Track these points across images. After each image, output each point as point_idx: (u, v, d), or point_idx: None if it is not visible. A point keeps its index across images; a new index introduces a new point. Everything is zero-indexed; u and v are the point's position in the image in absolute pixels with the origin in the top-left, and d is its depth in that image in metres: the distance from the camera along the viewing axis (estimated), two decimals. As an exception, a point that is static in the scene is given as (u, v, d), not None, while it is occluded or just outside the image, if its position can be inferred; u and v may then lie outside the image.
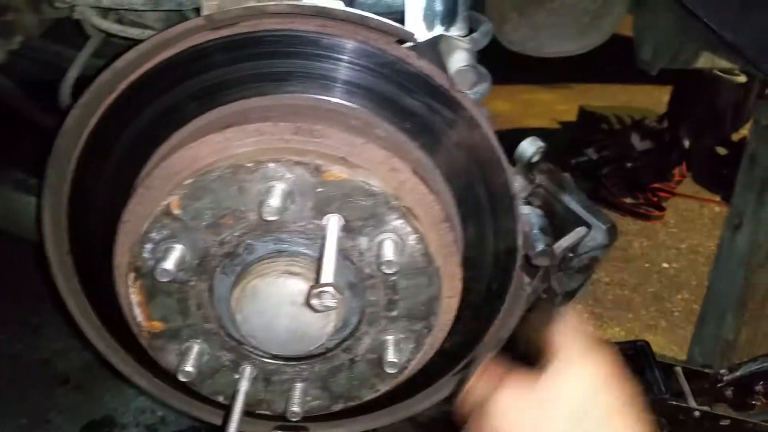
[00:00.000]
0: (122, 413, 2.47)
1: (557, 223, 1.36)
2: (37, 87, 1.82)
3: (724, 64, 2.85)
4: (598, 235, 1.36)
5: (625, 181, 4.02)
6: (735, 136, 4.15)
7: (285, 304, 0.98)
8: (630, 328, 2.98)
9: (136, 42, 1.56)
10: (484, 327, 1.26)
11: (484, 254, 1.19)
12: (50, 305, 2.93)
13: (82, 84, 1.74)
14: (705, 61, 2.81)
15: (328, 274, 0.86)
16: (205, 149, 1.00)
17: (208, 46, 1.04)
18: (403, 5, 1.27)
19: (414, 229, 1.00)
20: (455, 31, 1.24)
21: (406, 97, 1.08)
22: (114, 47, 2.00)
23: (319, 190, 0.96)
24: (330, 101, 1.07)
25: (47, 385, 2.58)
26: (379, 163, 1.02)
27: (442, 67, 1.09)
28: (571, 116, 4.87)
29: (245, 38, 1.04)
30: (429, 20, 1.21)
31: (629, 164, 4.08)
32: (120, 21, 1.53)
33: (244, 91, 1.06)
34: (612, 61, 3.50)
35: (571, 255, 1.36)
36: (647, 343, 2.21)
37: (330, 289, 0.83)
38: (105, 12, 1.49)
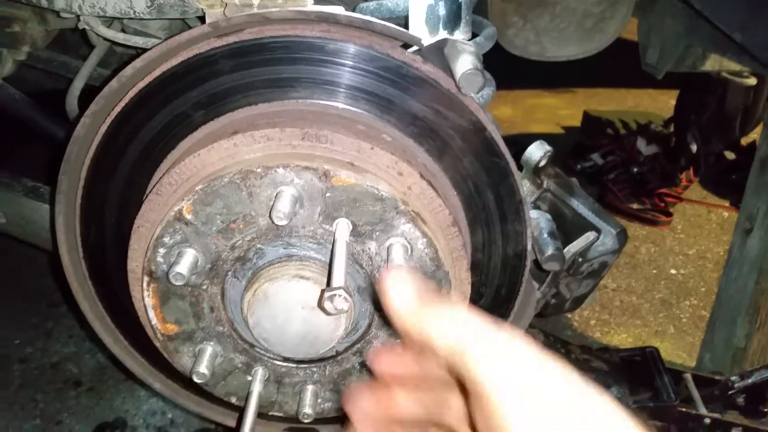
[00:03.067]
0: (133, 415, 2.48)
1: (566, 227, 1.35)
2: (43, 97, 1.82)
3: (732, 66, 2.84)
4: (608, 240, 1.35)
5: (631, 186, 4.01)
6: (744, 140, 4.14)
7: (296, 308, 0.98)
8: (637, 334, 2.96)
9: (140, 51, 1.57)
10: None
11: (493, 259, 1.19)
12: (62, 310, 2.98)
13: (88, 93, 1.75)
14: (712, 63, 2.80)
15: (339, 277, 0.85)
16: (215, 155, 1.01)
17: (214, 53, 1.05)
18: (405, 10, 1.27)
19: (423, 233, 1.00)
20: (459, 36, 1.23)
21: (412, 101, 1.08)
22: (117, 57, 2.01)
23: (328, 195, 0.97)
24: (336, 107, 1.08)
25: (59, 388, 2.60)
26: (387, 167, 1.03)
27: (448, 71, 1.09)
28: (576, 121, 4.87)
29: (250, 45, 1.05)
30: (432, 24, 1.20)
31: (635, 169, 4.07)
32: (123, 30, 1.53)
33: (250, 98, 1.07)
34: (617, 65, 3.50)
35: (580, 260, 1.35)
36: (656, 350, 2.20)
37: (342, 292, 0.83)
38: (109, 21, 1.50)
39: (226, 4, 1.14)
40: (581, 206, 1.37)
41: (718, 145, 4.13)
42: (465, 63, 1.02)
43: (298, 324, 0.99)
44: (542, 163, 1.31)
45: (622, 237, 1.36)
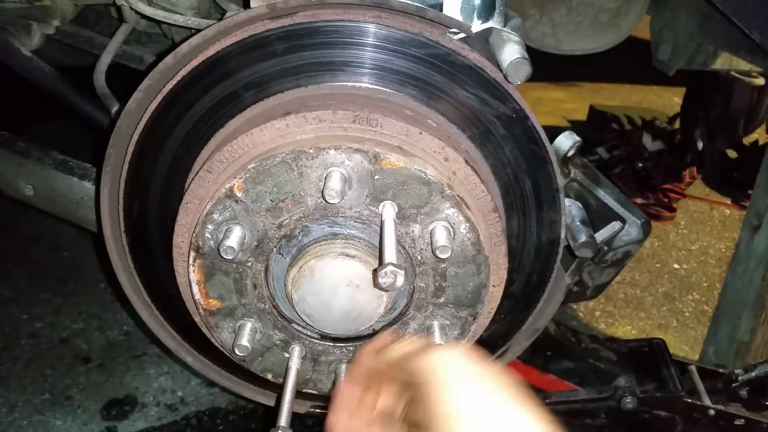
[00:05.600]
0: (143, 392, 2.50)
1: (591, 216, 1.38)
2: (66, 72, 1.83)
3: (742, 65, 2.86)
4: (632, 230, 1.38)
5: (635, 181, 4.04)
6: (746, 140, 4.18)
7: (341, 285, 1.00)
8: (641, 327, 3.00)
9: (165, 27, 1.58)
10: (523, 317, 1.28)
11: (527, 245, 1.22)
12: (70, 286, 3.00)
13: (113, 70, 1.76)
14: (722, 62, 2.82)
15: (391, 254, 0.88)
16: (267, 135, 1.03)
17: (268, 35, 1.07)
18: None
19: (466, 218, 1.02)
20: (492, 25, 1.24)
21: (458, 88, 1.10)
22: (135, 34, 2.02)
23: (376, 177, 0.99)
24: (384, 91, 1.09)
25: (68, 363, 2.62)
26: (434, 152, 1.05)
27: (493, 59, 1.11)
28: (581, 115, 4.89)
29: (304, 28, 1.06)
30: (467, 13, 1.21)
31: (640, 164, 4.10)
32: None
33: (300, 80, 1.09)
34: (623, 61, 3.52)
35: (605, 248, 1.38)
36: (663, 341, 2.23)
37: (397, 268, 0.85)
38: None
39: (274, -15, 1.16)
40: (607, 196, 1.40)
41: (722, 143, 4.17)
42: (512, 52, 1.04)
43: (342, 300, 1.01)
44: (570, 153, 1.33)
45: (647, 227, 1.39)
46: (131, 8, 1.46)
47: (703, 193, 4.15)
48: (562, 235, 1.21)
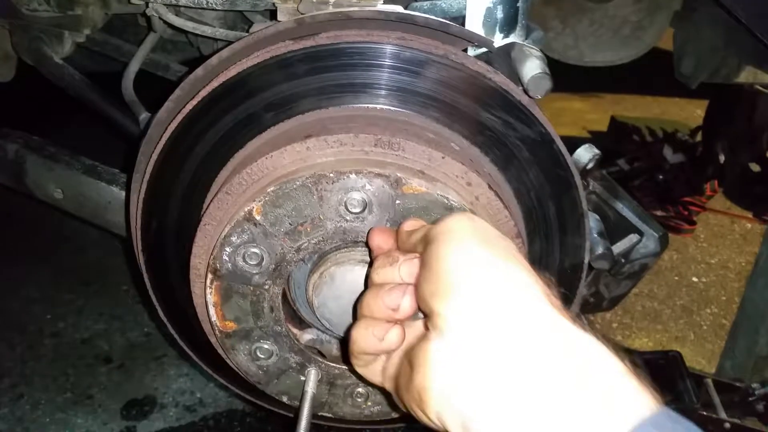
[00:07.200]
0: (163, 393, 2.54)
1: (609, 229, 1.40)
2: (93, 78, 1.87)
3: (767, 79, 2.86)
4: (650, 243, 1.40)
5: (656, 193, 4.02)
6: (768, 154, 4.15)
7: (359, 290, 1.00)
8: (658, 339, 2.99)
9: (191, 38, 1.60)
10: None
11: (549, 270, 1.18)
12: (93, 287, 3.05)
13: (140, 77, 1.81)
14: (746, 75, 2.82)
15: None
16: (287, 158, 1.02)
17: (291, 56, 1.07)
18: (458, 11, 1.28)
19: None
20: (514, 39, 1.23)
21: (481, 111, 1.09)
22: (161, 42, 2.07)
23: (398, 202, 0.98)
24: (407, 113, 1.08)
25: (90, 363, 2.67)
26: (456, 177, 1.04)
27: (515, 74, 1.11)
28: (602, 126, 4.88)
29: (326, 50, 1.06)
30: (489, 27, 1.20)
31: (661, 177, 4.09)
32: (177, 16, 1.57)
33: (322, 101, 1.08)
34: (645, 73, 3.52)
35: (623, 261, 1.40)
36: (679, 354, 2.23)
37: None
38: (176, 9, 1.55)
39: (301, 0, 1.19)
40: (625, 209, 1.41)
41: (745, 157, 4.15)
42: (533, 66, 1.04)
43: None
44: (590, 166, 1.35)
45: (664, 240, 1.40)
46: (161, 18, 1.49)
47: (724, 206, 4.13)
48: (586, 260, 1.18)
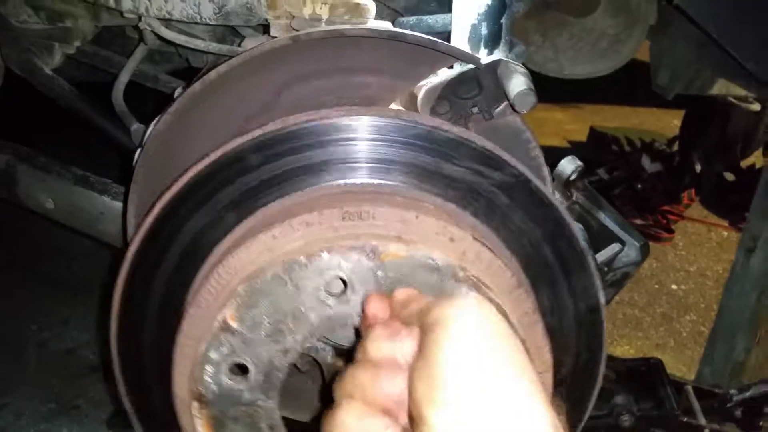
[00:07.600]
0: (150, 405, 2.52)
1: (592, 238, 1.44)
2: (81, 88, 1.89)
3: (738, 91, 2.94)
4: (631, 252, 1.44)
5: (634, 202, 4.10)
6: (743, 163, 4.25)
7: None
8: (639, 346, 3.04)
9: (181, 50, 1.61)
10: (580, 409, 1.14)
11: (564, 319, 1.09)
12: (79, 297, 3.04)
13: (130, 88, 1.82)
14: (720, 87, 2.90)
15: None
16: (254, 251, 0.94)
17: (241, 149, 1.00)
18: (443, 27, 1.32)
19: (488, 299, 0.87)
20: (498, 55, 1.25)
21: (445, 164, 1.02)
22: (153, 53, 2.09)
23: (380, 273, 0.90)
24: (371, 183, 1.02)
25: (75, 374, 2.66)
26: (437, 234, 0.95)
27: (502, 90, 1.13)
28: (582, 136, 4.96)
29: (276, 136, 1.00)
30: (474, 42, 1.23)
31: (639, 186, 4.17)
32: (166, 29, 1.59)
33: (283, 188, 1.01)
34: (623, 84, 3.60)
35: (605, 269, 1.44)
36: (660, 361, 2.27)
37: None
38: (167, 23, 1.56)
39: (294, 16, 1.22)
40: (607, 219, 1.46)
41: (720, 166, 4.24)
42: (519, 83, 1.08)
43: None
44: (572, 177, 1.39)
45: (645, 250, 1.45)
46: (153, 32, 1.51)
47: (701, 215, 4.22)
48: (602, 300, 1.09)
